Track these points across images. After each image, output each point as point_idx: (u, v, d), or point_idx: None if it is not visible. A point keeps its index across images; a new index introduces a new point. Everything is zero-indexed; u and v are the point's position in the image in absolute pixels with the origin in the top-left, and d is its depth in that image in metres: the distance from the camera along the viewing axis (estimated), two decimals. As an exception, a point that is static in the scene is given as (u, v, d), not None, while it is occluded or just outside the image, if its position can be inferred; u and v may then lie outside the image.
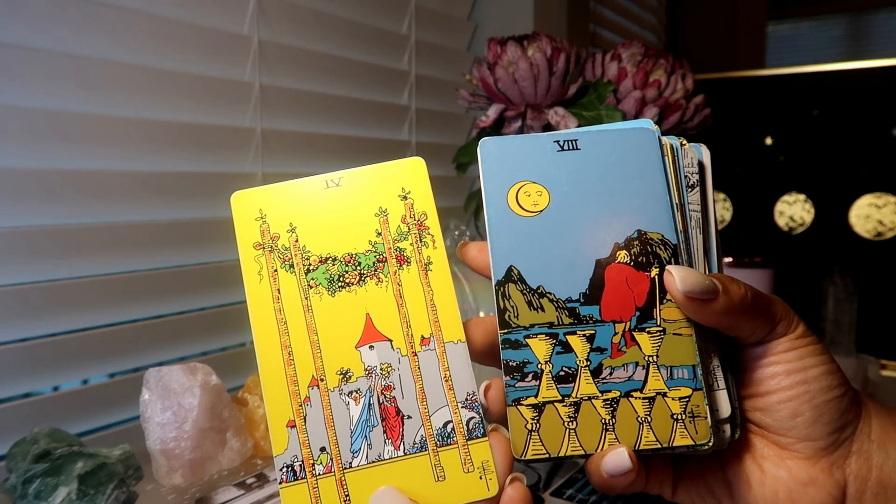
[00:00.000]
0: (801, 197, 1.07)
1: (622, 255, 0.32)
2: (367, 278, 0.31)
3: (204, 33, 0.67)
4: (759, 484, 0.34)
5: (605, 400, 0.31)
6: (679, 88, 0.73)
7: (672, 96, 0.72)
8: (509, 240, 0.32)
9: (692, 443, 0.31)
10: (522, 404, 0.31)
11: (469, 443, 0.30)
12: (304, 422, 0.30)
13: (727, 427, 0.32)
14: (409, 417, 0.30)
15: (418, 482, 0.29)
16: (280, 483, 0.29)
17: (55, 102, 0.58)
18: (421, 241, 0.32)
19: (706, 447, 0.31)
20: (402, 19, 0.93)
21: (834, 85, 1.04)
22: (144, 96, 0.64)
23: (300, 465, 0.29)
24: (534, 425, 0.31)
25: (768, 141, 1.09)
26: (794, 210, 1.07)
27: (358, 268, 0.31)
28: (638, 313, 0.32)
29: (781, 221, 1.08)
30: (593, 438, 0.31)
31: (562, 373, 0.31)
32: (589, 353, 0.32)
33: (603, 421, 0.31)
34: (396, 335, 0.31)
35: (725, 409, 0.32)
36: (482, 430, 0.30)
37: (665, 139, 0.34)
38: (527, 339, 0.31)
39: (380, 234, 0.32)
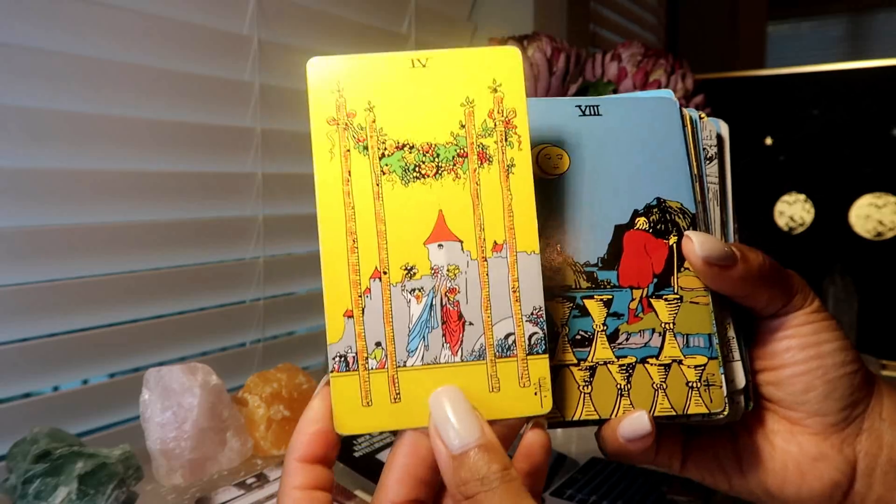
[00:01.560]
0: (801, 197, 1.07)
1: (641, 222, 0.32)
2: (445, 172, 0.29)
3: (204, 33, 0.67)
4: (768, 458, 0.34)
5: (620, 365, 0.31)
6: (679, 88, 0.73)
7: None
8: None
9: (707, 411, 0.31)
10: None
11: (529, 357, 0.29)
12: (363, 314, 0.28)
13: (741, 398, 0.32)
14: (471, 324, 0.29)
15: (472, 390, 0.28)
16: (331, 371, 0.28)
17: (55, 102, 0.58)
18: (506, 140, 0.30)
19: (720, 416, 0.31)
20: (402, 19, 0.93)
21: (834, 85, 1.04)
22: (144, 96, 0.64)
23: (353, 357, 0.28)
24: None
25: (768, 141, 1.09)
26: (794, 210, 1.07)
27: (436, 160, 0.29)
28: (655, 280, 0.32)
29: (781, 221, 1.08)
30: (608, 403, 0.31)
31: (578, 336, 0.31)
32: (606, 317, 0.31)
33: (618, 386, 0.31)
34: (468, 237, 0.29)
35: (741, 379, 0.32)
36: (544, 347, 0.29)
37: (685, 111, 0.34)
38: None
39: (463, 126, 0.30)
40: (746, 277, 0.31)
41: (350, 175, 0.29)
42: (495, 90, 0.30)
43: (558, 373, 0.31)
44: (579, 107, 0.33)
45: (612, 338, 0.31)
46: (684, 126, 0.34)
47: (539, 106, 0.33)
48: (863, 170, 1.02)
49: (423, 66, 0.30)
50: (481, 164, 0.29)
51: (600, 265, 0.32)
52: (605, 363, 0.31)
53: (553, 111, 0.33)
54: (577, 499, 0.52)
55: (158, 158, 0.66)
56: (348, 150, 0.29)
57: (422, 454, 0.27)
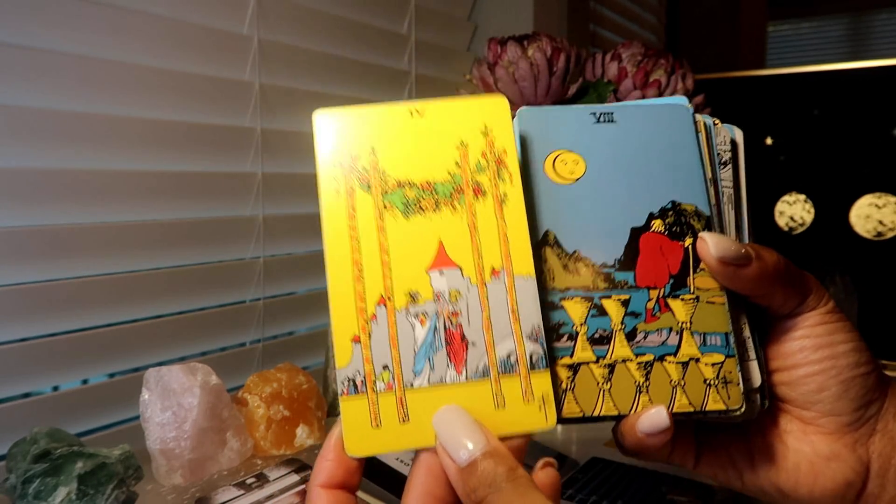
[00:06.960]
0: (801, 197, 1.07)
1: (657, 225, 0.33)
2: (443, 205, 0.31)
3: (204, 33, 0.67)
4: (781, 458, 0.34)
5: (639, 363, 0.32)
6: (679, 88, 0.73)
7: (672, 96, 0.72)
8: (546, 205, 0.33)
9: (724, 408, 0.31)
10: (558, 364, 0.31)
11: (531, 373, 0.30)
12: (369, 338, 0.30)
13: (757, 397, 0.33)
14: (474, 344, 0.30)
15: (478, 407, 0.30)
16: (341, 395, 0.29)
17: (55, 102, 0.58)
18: (499, 176, 0.32)
19: (737, 413, 0.32)
20: (402, 19, 0.93)
21: (834, 85, 1.04)
22: (144, 96, 0.64)
23: (362, 381, 0.29)
24: (569, 385, 0.31)
25: (768, 141, 1.08)
26: (794, 210, 1.07)
27: (434, 195, 0.31)
28: (672, 280, 0.32)
29: (781, 221, 1.08)
30: (627, 400, 0.31)
31: (597, 335, 0.32)
32: (624, 317, 0.32)
33: (637, 383, 0.31)
34: (467, 263, 0.31)
35: (756, 378, 0.33)
36: (545, 363, 0.30)
37: (699, 117, 0.35)
38: (562, 302, 0.32)
39: (459, 165, 0.32)
40: (762, 276, 0.31)
41: (355, 210, 0.31)
42: (486, 134, 0.32)
43: (578, 370, 0.31)
44: (594, 114, 0.34)
45: (631, 336, 0.32)
46: (698, 132, 0.34)
47: (554, 112, 0.34)
48: (863, 170, 1.02)
49: (420, 115, 0.32)
50: (476, 197, 0.32)
51: (617, 266, 0.32)
52: (624, 361, 0.32)
53: (568, 118, 0.34)
54: (577, 499, 0.52)
55: (158, 158, 0.66)
56: (353, 189, 0.31)
57: (437, 472, 0.28)
